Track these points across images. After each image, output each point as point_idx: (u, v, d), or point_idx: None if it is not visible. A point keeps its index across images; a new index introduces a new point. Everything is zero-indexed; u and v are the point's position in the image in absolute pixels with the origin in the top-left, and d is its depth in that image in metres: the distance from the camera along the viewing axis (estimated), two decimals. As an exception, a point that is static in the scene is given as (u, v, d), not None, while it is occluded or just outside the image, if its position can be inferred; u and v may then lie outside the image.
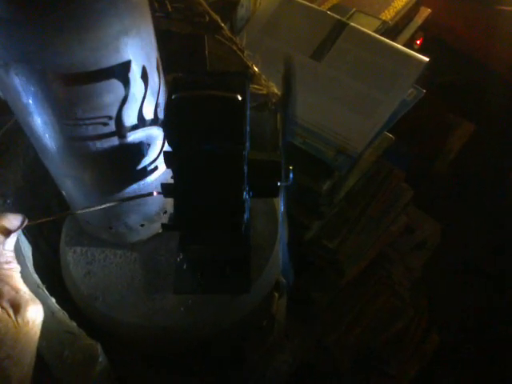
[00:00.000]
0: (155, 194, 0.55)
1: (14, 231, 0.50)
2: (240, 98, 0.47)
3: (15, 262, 0.50)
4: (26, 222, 0.52)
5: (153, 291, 0.67)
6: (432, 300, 1.46)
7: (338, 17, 1.10)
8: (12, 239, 0.50)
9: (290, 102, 0.53)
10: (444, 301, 1.54)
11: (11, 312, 0.44)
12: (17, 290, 0.47)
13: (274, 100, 0.76)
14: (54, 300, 0.63)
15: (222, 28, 0.87)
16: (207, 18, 0.88)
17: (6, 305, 0.44)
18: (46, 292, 0.64)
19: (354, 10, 1.18)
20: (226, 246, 0.65)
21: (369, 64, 1.02)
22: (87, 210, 0.60)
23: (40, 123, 0.52)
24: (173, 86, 0.49)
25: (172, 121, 0.47)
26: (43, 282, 0.67)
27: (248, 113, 0.47)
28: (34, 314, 0.46)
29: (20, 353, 0.43)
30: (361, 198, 1.16)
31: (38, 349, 0.49)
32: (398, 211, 1.19)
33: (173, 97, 0.47)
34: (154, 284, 0.67)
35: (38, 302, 0.48)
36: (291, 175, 0.55)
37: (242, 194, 0.50)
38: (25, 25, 0.41)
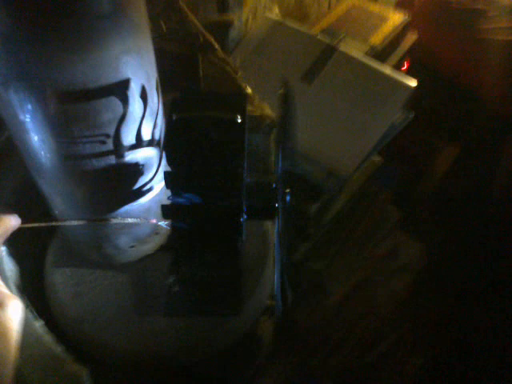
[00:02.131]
0: (154, 221, 0.54)
1: (7, 231, 0.48)
2: (240, 119, 0.47)
3: None
4: (18, 224, 0.50)
5: (143, 314, 0.65)
6: (416, 322, 1.47)
7: (328, 41, 1.12)
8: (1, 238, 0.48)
9: (288, 126, 0.54)
10: (428, 323, 1.54)
11: None
12: None
13: (267, 122, 0.76)
14: (40, 323, 0.61)
15: (215, 49, 0.88)
16: (201, 39, 0.88)
17: None
18: (32, 314, 0.62)
19: (344, 34, 1.20)
20: (218, 268, 0.64)
21: (358, 88, 1.03)
22: (78, 223, 0.58)
23: (36, 141, 0.51)
24: (172, 106, 0.48)
25: (172, 141, 0.46)
26: (27, 305, 0.65)
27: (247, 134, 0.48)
28: (15, 310, 0.45)
29: (6, 352, 0.42)
30: (348, 220, 1.16)
31: (21, 376, 0.47)
32: (385, 234, 1.20)
33: (173, 117, 0.46)
34: (145, 306, 0.66)
35: (16, 298, 0.46)
36: (288, 198, 0.55)
37: (241, 214, 0.49)
38: (29, 43, 0.41)
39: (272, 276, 0.69)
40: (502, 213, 1.47)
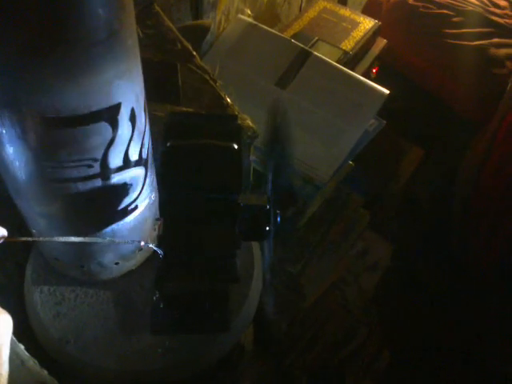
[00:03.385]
0: (142, 243, 0.53)
1: None
2: (236, 146, 0.46)
3: None
4: (3, 238, 0.48)
5: (128, 332, 0.64)
6: (383, 318, 1.51)
7: (302, 45, 1.12)
8: None
9: (283, 146, 0.53)
10: (394, 319, 1.58)
11: None
12: None
13: (248, 133, 0.75)
14: (22, 347, 0.59)
15: (194, 56, 0.86)
16: (179, 46, 0.86)
17: None
18: (14, 338, 0.60)
19: (317, 38, 1.20)
20: (205, 284, 0.64)
21: (332, 94, 1.04)
22: (65, 240, 0.56)
23: (18, 165, 0.48)
24: (167, 132, 0.47)
25: (167, 170, 0.45)
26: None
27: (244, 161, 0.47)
28: (6, 324, 0.43)
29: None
30: (321, 224, 1.18)
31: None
32: (356, 236, 1.22)
33: (168, 144, 0.45)
34: (129, 324, 0.65)
35: (5, 312, 0.44)
36: (278, 219, 0.55)
37: (235, 239, 0.49)
38: (19, 69, 0.39)
39: (258, 288, 0.69)
40: (463, 212, 1.52)
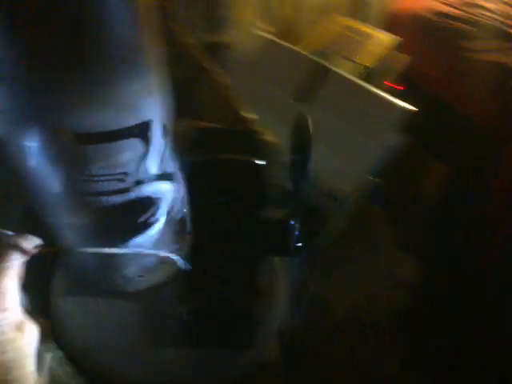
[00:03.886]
0: (162, 254, 0.55)
1: (31, 253, 0.49)
2: (259, 161, 0.49)
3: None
4: (39, 249, 0.51)
5: (152, 344, 0.66)
6: (409, 338, 1.50)
7: (321, 61, 1.15)
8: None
9: (304, 161, 0.56)
10: (422, 338, 1.57)
11: (16, 334, 0.44)
12: (17, 310, 0.46)
13: (270, 148, 0.77)
14: (50, 355, 0.62)
15: (212, 72, 0.89)
16: (199, 62, 0.90)
17: (13, 326, 0.44)
18: (42, 346, 0.63)
19: (336, 54, 1.23)
20: (229, 297, 0.66)
21: (354, 110, 1.06)
22: (93, 251, 0.59)
23: (52, 178, 0.52)
24: (191, 147, 0.50)
25: (192, 184, 0.48)
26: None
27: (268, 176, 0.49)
28: (33, 334, 0.46)
29: (27, 375, 0.43)
30: (346, 240, 1.19)
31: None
32: (382, 254, 1.23)
33: (192, 159, 0.48)
34: (154, 336, 0.67)
35: (33, 323, 0.47)
36: (299, 234, 0.57)
37: (259, 254, 0.51)
38: (51, 89, 0.42)
39: (282, 304, 0.70)
40: (493, 229, 1.51)
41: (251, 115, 0.85)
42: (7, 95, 0.43)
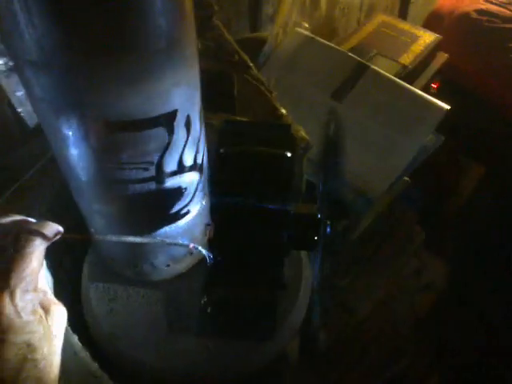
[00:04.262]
0: (191, 245, 0.54)
1: (53, 239, 0.49)
2: (289, 154, 0.47)
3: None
4: (60, 234, 0.51)
5: (175, 333, 0.66)
6: (435, 341, 1.46)
7: (359, 59, 1.12)
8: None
9: (336, 158, 0.54)
10: (447, 342, 1.53)
11: (43, 314, 0.44)
12: (44, 292, 0.46)
13: (302, 144, 0.76)
14: (76, 338, 0.62)
15: (250, 67, 0.88)
16: (236, 57, 0.88)
17: (39, 307, 0.44)
18: (69, 329, 0.63)
19: (375, 52, 1.20)
20: (252, 290, 0.65)
21: (390, 108, 1.03)
22: (118, 239, 0.58)
23: (82, 165, 0.52)
24: (220, 138, 0.49)
25: (220, 176, 0.47)
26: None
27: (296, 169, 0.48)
28: (61, 315, 0.46)
29: (53, 355, 0.43)
30: (373, 239, 1.16)
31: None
32: (410, 254, 1.19)
33: (221, 151, 0.47)
34: (177, 325, 0.66)
35: (61, 304, 0.47)
36: (328, 230, 0.55)
37: (284, 247, 0.50)
38: (88, 75, 0.42)
39: (305, 299, 0.69)
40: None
41: (285, 111, 0.84)
42: (47, 82, 0.43)
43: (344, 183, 0.96)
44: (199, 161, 0.57)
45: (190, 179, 0.57)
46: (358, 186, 0.97)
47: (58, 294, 0.70)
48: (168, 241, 0.57)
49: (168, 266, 0.67)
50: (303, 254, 0.70)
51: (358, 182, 0.97)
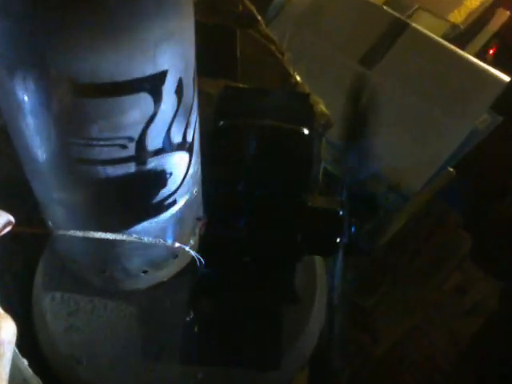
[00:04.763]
0: (176, 246, 0.54)
1: (0, 232, 0.49)
2: (306, 131, 0.47)
3: None
4: (10, 225, 0.50)
5: (152, 358, 0.66)
6: (482, 377, 1.46)
7: (397, 14, 1.11)
8: None
9: (364, 142, 0.54)
10: (494, 379, 1.53)
11: None
12: None
13: (321, 121, 0.76)
14: (26, 362, 0.62)
15: (257, 22, 0.88)
16: (240, 8, 0.88)
17: None
18: (17, 351, 0.63)
19: (417, 6, 1.19)
20: (253, 304, 0.65)
21: (434, 78, 1.03)
22: (79, 235, 0.58)
23: (40, 139, 0.51)
24: (219, 108, 0.49)
25: (217, 155, 0.47)
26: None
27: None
28: (9, 332, 0.46)
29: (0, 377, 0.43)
30: (407, 245, 1.16)
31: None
32: (452, 266, 1.19)
33: (220, 123, 0.47)
34: (155, 348, 0.66)
35: (7, 316, 0.47)
36: (353, 230, 0.55)
37: (297, 250, 0.50)
38: (49, 24, 0.41)
39: (320, 319, 0.69)
40: None
41: (301, 78, 0.83)
42: (10, 34, 0.42)
43: (373, 174, 0.96)
44: (189, 138, 0.57)
45: (177, 160, 0.57)
46: (390, 177, 0.96)
47: (3, 304, 0.70)
48: (147, 239, 0.57)
49: (145, 272, 0.67)
50: (318, 260, 0.69)
51: (391, 172, 0.96)
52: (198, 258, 0.54)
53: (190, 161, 0.60)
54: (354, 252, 0.98)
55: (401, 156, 0.98)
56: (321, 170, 0.78)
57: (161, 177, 0.57)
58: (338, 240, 0.52)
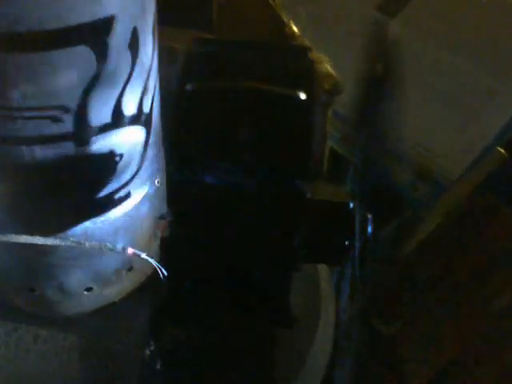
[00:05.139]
0: (130, 252, 0.54)
1: None
2: (303, 96, 0.47)
3: None
4: None
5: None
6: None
7: None
8: None
9: (383, 115, 0.54)
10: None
11: None
12: None
13: (326, 85, 0.76)
14: None
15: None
16: None
17: None
18: None
19: None
20: (234, 330, 0.65)
21: (476, 30, 1.03)
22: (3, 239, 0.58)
23: None
24: (188, 67, 0.48)
25: (186, 129, 0.46)
26: None
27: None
28: None
29: None
30: (440, 252, 1.17)
31: None
32: (504, 279, 1.20)
33: (188, 87, 0.46)
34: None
35: None
36: (369, 229, 0.55)
37: (292, 257, 0.50)
38: None
39: (325, 347, 0.69)
40: None
41: (299, 29, 0.83)
42: None
43: (395, 156, 0.97)
44: (147, 109, 0.57)
45: (131, 139, 0.57)
46: (419, 160, 0.97)
47: None
48: (88, 244, 0.57)
49: (89, 290, 0.67)
50: (322, 270, 0.70)
51: (420, 154, 0.97)
52: (161, 270, 0.54)
53: (148, 140, 0.60)
54: (371, 261, 0.98)
55: (433, 132, 0.98)
56: (326, 151, 0.78)
57: (109, 162, 0.57)
58: (348, 243, 0.52)
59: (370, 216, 0.53)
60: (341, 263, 0.54)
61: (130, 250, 0.54)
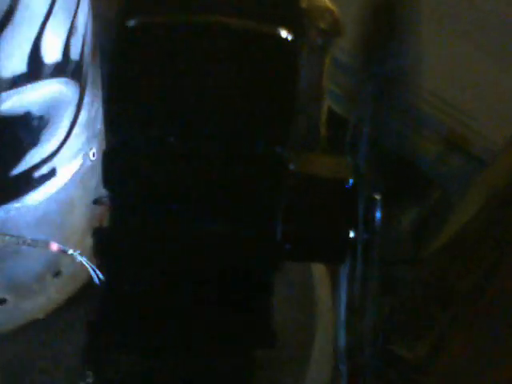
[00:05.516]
0: (54, 248, 0.54)
1: None
2: (288, 36, 0.47)
3: None
4: None
5: None
6: None
7: None
8: None
9: (398, 63, 0.54)
10: None
11: None
12: None
13: (322, 24, 0.76)
14: None
15: None
16: None
17: None
18: None
19: None
20: (197, 357, 0.65)
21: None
22: None
23: None
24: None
25: (128, 80, 0.46)
26: None
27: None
28: None
29: None
30: (481, 252, 1.17)
31: None
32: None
33: (131, 23, 0.46)
34: None
35: None
36: (378, 214, 0.55)
37: (274, 252, 0.50)
38: None
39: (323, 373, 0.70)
40: None
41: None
42: None
43: (417, 120, 0.97)
44: (75, 55, 0.57)
45: (55, 96, 0.57)
46: (450, 127, 0.97)
47: None
48: (2, 239, 0.57)
49: (2, 302, 0.67)
50: (317, 272, 0.70)
51: (452, 116, 0.97)
52: (95, 272, 0.54)
53: (82, 97, 0.59)
54: (384, 259, 0.98)
55: (468, 88, 0.99)
56: (323, 111, 0.78)
57: (24, 127, 0.57)
58: (351, 235, 0.52)
59: (377, 199, 0.53)
60: (341, 262, 0.54)
61: (55, 246, 0.54)
